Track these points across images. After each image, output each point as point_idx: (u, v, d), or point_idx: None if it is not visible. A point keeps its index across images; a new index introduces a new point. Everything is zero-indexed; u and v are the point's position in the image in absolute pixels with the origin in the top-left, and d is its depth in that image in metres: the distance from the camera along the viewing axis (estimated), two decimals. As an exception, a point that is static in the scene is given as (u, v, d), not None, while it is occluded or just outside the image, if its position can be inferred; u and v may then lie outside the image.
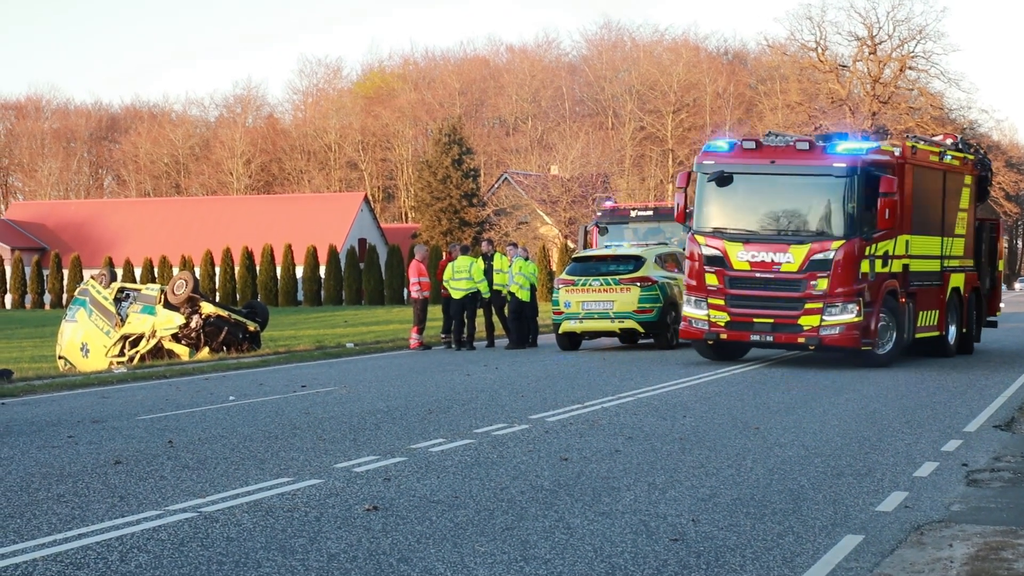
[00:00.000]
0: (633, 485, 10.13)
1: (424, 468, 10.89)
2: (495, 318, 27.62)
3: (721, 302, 20.81)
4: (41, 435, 13.30)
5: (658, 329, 25.14)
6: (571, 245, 65.35)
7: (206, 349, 25.75)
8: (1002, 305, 27.33)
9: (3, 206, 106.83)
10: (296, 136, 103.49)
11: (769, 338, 20.76)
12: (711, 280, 20.88)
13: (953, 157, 23.31)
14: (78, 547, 8.10)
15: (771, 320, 20.52)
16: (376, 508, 9.21)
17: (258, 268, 70.97)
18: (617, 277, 25.15)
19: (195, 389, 18.30)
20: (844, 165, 20.21)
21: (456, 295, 26.45)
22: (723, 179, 20.88)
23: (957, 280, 23.32)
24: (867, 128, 71.89)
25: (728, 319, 20.79)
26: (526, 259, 26.98)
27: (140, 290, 27.29)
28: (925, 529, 8.68)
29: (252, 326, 26.79)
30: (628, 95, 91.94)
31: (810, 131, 24.64)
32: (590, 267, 25.91)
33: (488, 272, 26.94)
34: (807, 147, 20.51)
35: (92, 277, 27.93)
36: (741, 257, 20.62)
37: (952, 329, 23.44)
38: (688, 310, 21.35)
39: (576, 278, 25.56)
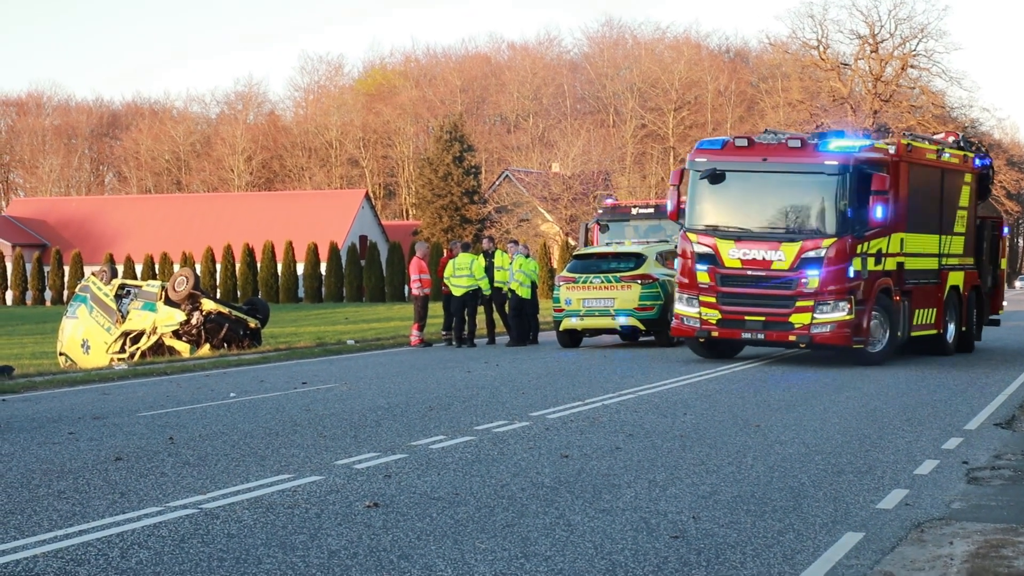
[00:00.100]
0: (634, 482, 10.13)
1: (425, 465, 10.90)
2: (496, 315, 27.62)
3: (713, 300, 20.77)
4: (42, 431, 13.31)
5: (659, 327, 25.13)
6: (572, 242, 65.35)
7: (207, 346, 25.76)
8: (1004, 303, 27.27)
9: (4, 202, 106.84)
10: (297, 133, 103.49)
11: (760, 336, 20.71)
12: (703, 278, 20.83)
13: (952, 155, 23.24)
14: (79, 543, 8.11)
15: (762, 318, 20.48)
16: (377, 505, 9.21)
17: (259, 265, 70.97)
18: (618, 274, 25.15)
19: (196, 386, 18.30)
20: (836, 163, 20.15)
21: (457, 292, 26.45)
22: (715, 176, 20.84)
23: (956, 278, 23.27)
24: (868, 126, 71.84)
25: (720, 317, 20.75)
26: (527, 256, 26.98)
27: (141, 287, 27.30)
28: (926, 527, 8.68)
29: (253, 323, 26.80)
30: (629, 93, 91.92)
31: (811, 129, 24.60)
32: (591, 264, 25.91)
33: (489, 269, 26.94)
34: (799, 145, 20.46)
35: (93, 274, 27.94)
36: (733, 255, 20.59)
37: (951, 327, 23.39)
38: (680, 308, 21.33)
39: (577, 275, 25.56)
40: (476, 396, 16.29)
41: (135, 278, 64.11)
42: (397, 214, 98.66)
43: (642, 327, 25.15)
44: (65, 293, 72.25)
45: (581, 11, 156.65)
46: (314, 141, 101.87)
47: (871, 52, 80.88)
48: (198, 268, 68.84)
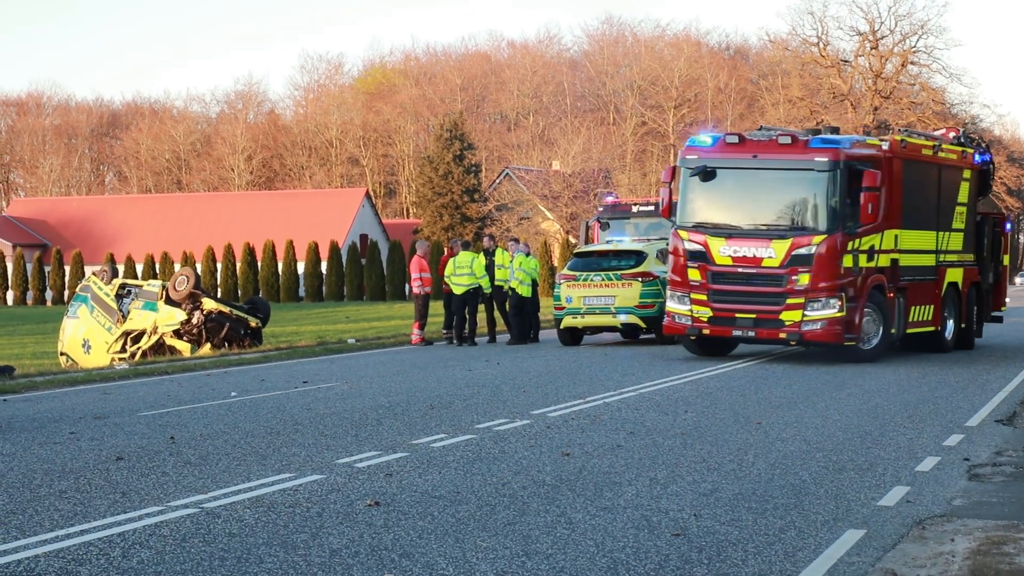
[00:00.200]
0: (635, 480, 10.13)
1: (426, 463, 10.90)
2: (497, 313, 27.62)
3: (704, 297, 20.73)
4: (43, 431, 13.31)
5: (660, 324, 25.08)
6: (572, 240, 65.35)
7: (208, 345, 25.76)
8: (1007, 300, 27.20)
9: (4, 202, 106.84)
10: (297, 132, 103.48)
11: (751, 333, 20.66)
12: (694, 275, 20.80)
13: (949, 151, 23.17)
14: (80, 543, 8.11)
15: (753, 315, 20.43)
16: (378, 503, 9.21)
17: (260, 264, 70.98)
18: (619, 272, 25.15)
19: (197, 385, 18.30)
20: (826, 159, 20.09)
21: (457, 291, 26.45)
22: (706, 174, 20.82)
23: (954, 275, 23.21)
24: (869, 123, 71.68)
25: (711, 314, 20.71)
26: (527, 255, 26.97)
27: (142, 286, 27.30)
28: (927, 523, 8.68)
29: (254, 322, 26.80)
30: (629, 90, 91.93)
31: (812, 126, 24.56)
32: (592, 262, 25.90)
33: (490, 268, 26.94)
34: (789, 141, 20.42)
35: (94, 273, 27.94)
36: (723, 252, 20.55)
37: (950, 324, 23.32)
38: (671, 305, 21.30)
39: (578, 273, 25.56)
40: (477, 394, 16.29)
41: (136, 278, 64.09)
42: (398, 213, 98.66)
43: (643, 325, 25.14)
44: (66, 293, 72.24)
45: (581, 9, 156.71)
46: (314, 140, 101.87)
47: (871, 49, 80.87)
48: (199, 267, 68.85)
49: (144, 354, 25.59)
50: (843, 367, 19.97)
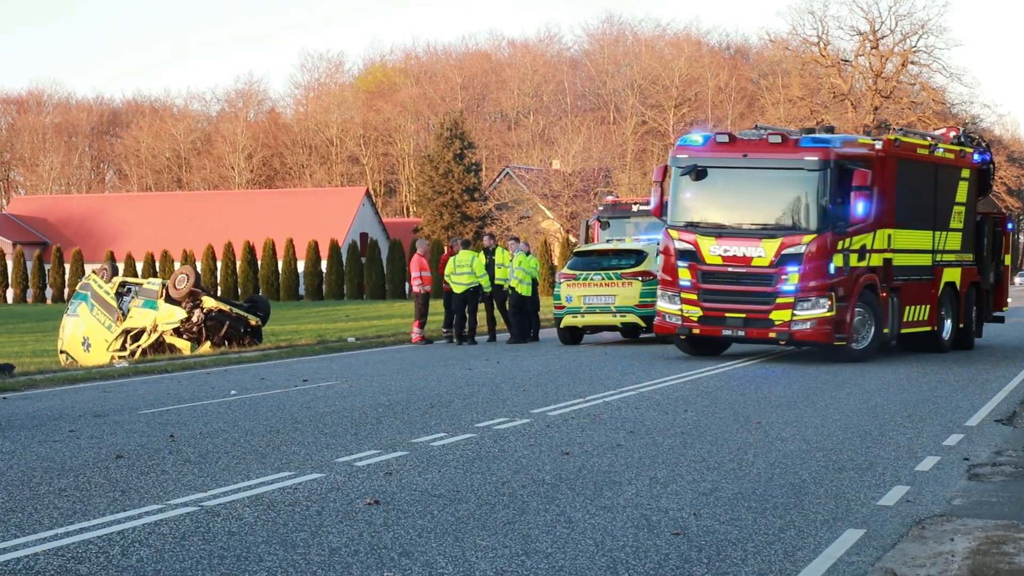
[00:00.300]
0: (634, 479, 10.13)
1: (425, 462, 10.89)
2: (497, 312, 27.63)
3: (694, 297, 20.70)
4: (42, 429, 13.31)
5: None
6: (573, 239, 65.35)
7: (207, 343, 25.76)
8: (1009, 300, 27.11)
9: (5, 200, 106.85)
10: (298, 131, 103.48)
11: (741, 333, 20.62)
12: (684, 275, 20.78)
13: (947, 151, 23.12)
14: (79, 541, 8.10)
15: (743, 315, 20.40)
16: (377, 502, 9.21)
17: (260, 262, 70.99)
18: (619, 271, 25.15)
19: (196, 383, 18.30)
20: (815, 158, 20.05)
21: (457, 289, 26.45)
22: (696, 173, 20.82)
23: (952, 275, 23.15)
24: (869, 123, 71.69)
25: (701, 314, 20.68)
26: (527, 254, 26.97)
27: (142, 284, 27.31)
28: (926, 523, 8.68)
29: (254, 320, 26.80)
30: (630, 90, 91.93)
31: (812, 126, 24.53)
32: (592, 261, 25.91)
33: (490, 266, 26.94)
34: (779, 140, 20.39)
35: (94, 271, 27.94)
36: (714, 251, 20.53)
37: (947, 324, 23.25)
38: (661, 305, 21.28)
39: (578, 272, 25.56)
40: (477, 393, 16.29)
41: (136, 276, 64.06)
42: (398, 211, 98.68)
43: (643, 324, 25.12)
44: (66, 291, 72.24)
45: (581, 8, 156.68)
46: (315, 139, 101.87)
47: (871, 48, 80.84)
48: (199, 266, 68.87)
49: (144, 352, 25.59)
50: (843, 367, 19.96)
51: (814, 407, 14.85)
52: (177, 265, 68.54)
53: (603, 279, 25.16)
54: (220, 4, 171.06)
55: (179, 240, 76.71)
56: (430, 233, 71.43)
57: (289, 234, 72.72)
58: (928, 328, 22.65)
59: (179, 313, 25.87)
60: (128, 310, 26.38)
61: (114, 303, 26.45)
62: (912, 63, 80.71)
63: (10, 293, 77.59)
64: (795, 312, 20.05)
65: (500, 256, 27.15)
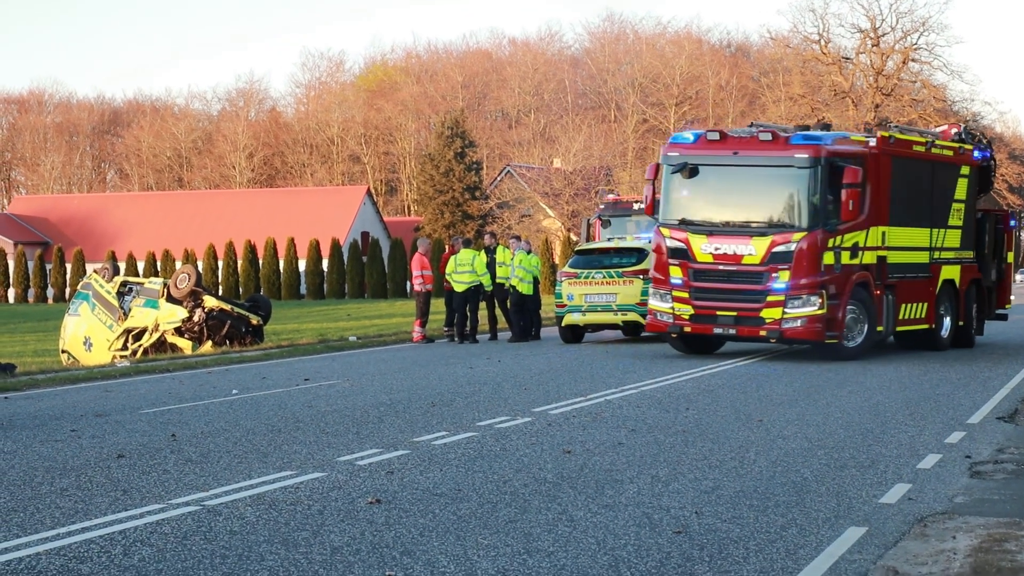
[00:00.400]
0: (636, 478, 10.13)
1: (427, 461, 10.89)
2: (498, 311, 27.63)
3: (685, 295, 20.67)
4: (44, 429, 13.31)
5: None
6: (574, 238, 65.34)
7: (209, 343, 25.77)
8: (1012, 297, 27.02)
9: (6, 200, 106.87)
10: (299, 130, 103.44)
11: (732, 331, 20.59)
12: (675, 273, 20.76)
13: (945, 147, 23.05)
14: (81, 541, 8.11)
15: (734, 313, 20.37)
16: (379, 501, 9.21)
17: (261, 261, 71.00)
18: (620, 270, 25.15)
19: (198, 383, 18.31)
20: (806, 156, 20.03)
21: (459, 288, 26.45)
22: (687, 171, 20.80)
23: (951, 272, 23.07)
24: (870, 120, 71.60)
25: (692, 312, 20.65)
26: (528, 252, 26.97)
27: (143, 284, 27.33)
28: (928, 521, 8.67)
29: (255, 320, 26.80)
30: (631, 88, 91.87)
31: (812, 123, 24.44)
32: (593, 260, 25.91)
33: (491, 265, 26.94)
34: (770, 138, 20.36)
35: (95, 271, 27.95)
36: (705, 249, 20.50)
37: (946, 322, 23.17)
38: (653, 303, 21.27)
39: (579, 271, 25.56)
40: (478, 392, 16.29)
41: (137, 275, 64.07)
42: (399, 210, 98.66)
43: (644, 322, 25.09)
44: (67, 291, 72.23)
45: (582, 6, 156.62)
46: (316, 138, 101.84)
47: (872, 46, 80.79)
48: (200, 265, 68.84)
49: (145, 352, 25.59)
50: (844, 365, 19.95)
51: (816, 405, 14.85)
52: (178, 264, 68.51)
53: (604, 277, 25.15)
54: (221, 3, 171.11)
55: (180, 239, 76.71)
56: (431, 232, 71.41)
57: (290, 233, 72.72)
58: (926, 326, 22.59)
59: (180, 312, 25.87)
60: (129, 309, 26.39)
61: (115, 303, 26.46)
62: (913, 60, 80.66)
63: (11, 293, 77.60)
64: (786, 310, 20.03)
65: (501, 255, 27.15)
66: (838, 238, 20.21)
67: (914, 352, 22.49)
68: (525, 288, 26.54)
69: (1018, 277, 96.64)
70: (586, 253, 26.42)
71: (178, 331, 25.92)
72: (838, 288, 20.22)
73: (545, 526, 8.46)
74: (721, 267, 20.38)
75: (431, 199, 74.67)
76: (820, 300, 19.97)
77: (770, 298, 20.07)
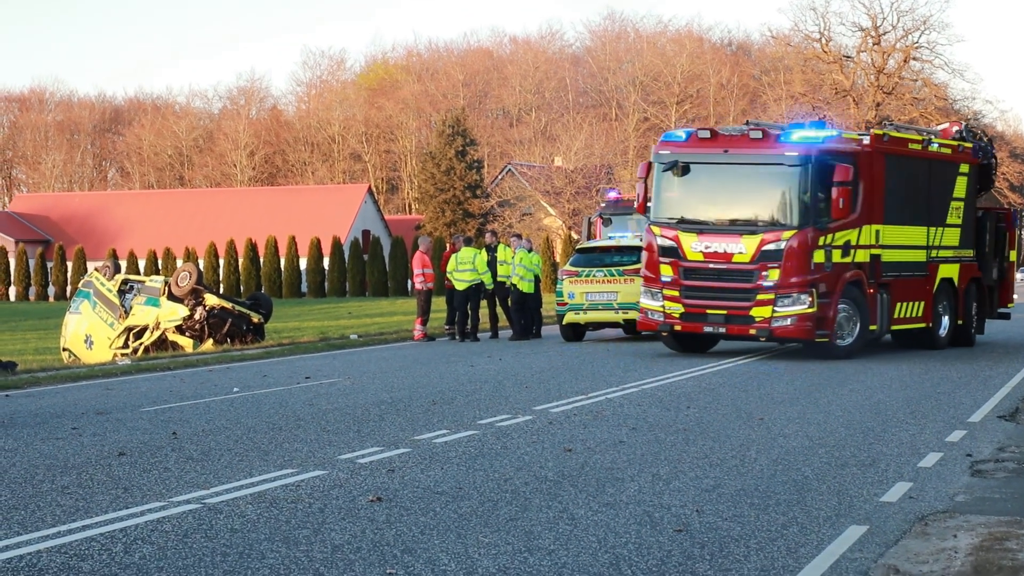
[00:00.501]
0: (637, 476, 10.13)
1: (428, 459, 10.89)
2: (499, 309, 27.62)
3: (676, 293, 20.66)
4: (45, 427, 13.31)
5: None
6: (575, 236, 65.31)
7: (210, 341, 25.77)
8: (1016, 296, 26.96)
9: (7, 198, 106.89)
10: (300, 128, 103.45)
11: (722, 330, 20.59)
12: (666, 271, 20.75)
13: (943, 146, 23.00)
14: (82, 539, 8.11)
15: (724, 311, 20.36)
16: (380, 499, 9.21)
17: (262, 260, 71.00)
18: (621, 268, 25.15)
19: (199, 381, 18.31)
20: (796, 154, 20.00)
21: (460, 286, 26.45)
22: (678, 169, 20.79)
23: (949, 271, 23.00)
24: (871, 119, 71.56)
25: (682, 310, 20.63)
26: (529, 250, 26.97)
27: (144, 282, 27.33)
28: (929, 519, 8.67)
29: (256, 318, 26.80)
30: (632, 86, 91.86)
31: (807, 121, 24.33)
32: (594, 258, 25.90)
33: (492, 264, 26.93)
34: (760, 136, 20.35)
35: (96, 269, 27.96)
36: (695, 248, 20.48)
37: (944, 320, 23.12)
38: (644, 301, 21.26)
39: (580, 269, 25.56)
40: (479, 390, 16.29)
41: (138, 273, 64.13)
42: (400, 209, 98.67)
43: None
44: (68, 289, 72.23)
45: (583, 5, 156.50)
46: (316, 136, 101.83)
47: (873, 44, 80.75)
48: (201, 263, 68.85)
49: (146, 350, 25.59)
50: (845, 363, 19.94)
51: (817, 404, 14.85)
52: (179, 263, 68.44)
53: (605, 276, 25.16)
54: (222, 1, 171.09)
55: (181, 237, 76.72)
56: (432, 230, 71.40)
57: (291, 231, 72.72)
58: (923, 325, 22.52)
59: (181, 310, 25.87)
60: (130, 308, 26.39)
61: (116, 301, 26.46)
62: (914, 59, 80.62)
63: (12, 291, 77.61)
64: (775, 309, 20.00)
65: (502, 253, 27.14)
66: (829, 236, 20.17)
67: (915, 351, 22.48)
68: (526, 286, 26.54)
69: (1018, 276, 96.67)
70: (587, 251, 26.42)
71: (179, 329, 25.92)
72: (829, 287, 20.18)
73: (546, 524, 8.47)
74: (711, 265, 20.36)
75: (432, 197, 74.67)
76: (810, 299, 19.94)
77: (760, 296, 20.05)
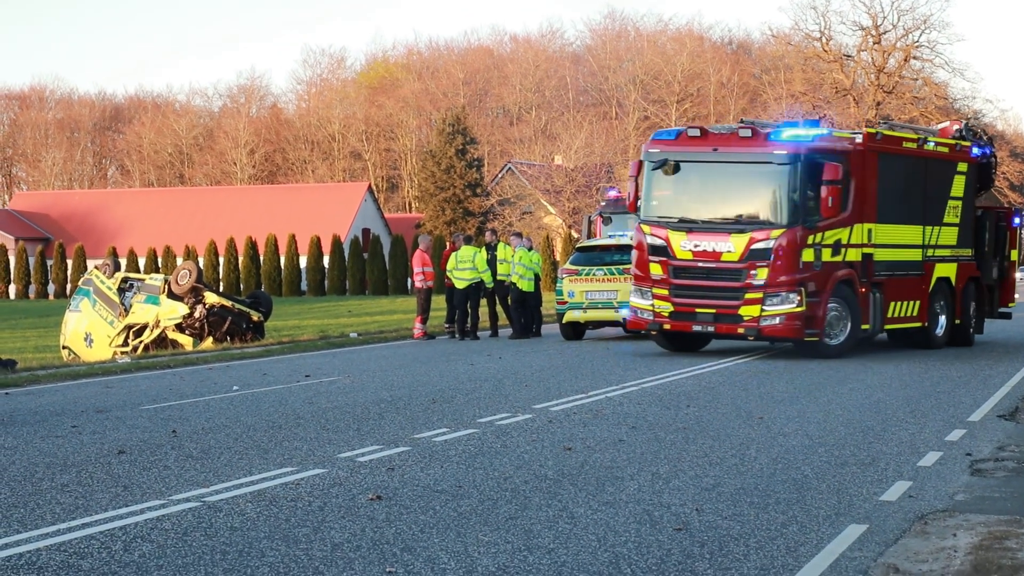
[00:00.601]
0: (637, 475, 10.13)
1: (428, 458, 10.89)
2: (499, 308, 27.62)
3: (665, 292, 20.64)
4: (45, 425, 13.31)
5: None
6: (575, 235, 65.30)
7: (210, 339, 25.76)
8: (1017, 295, 26.90)
9: (7, 196, 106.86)
10: (300, 126, 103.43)
11: (711, 328, 20.58)
12: (655, 270, 20.72)
13: (940, 144, 22.94)
14: (82, 537, 8.11)
15: (713, 310, 20.34)
16: (380, 498, 9.21)
17: (262, 258, 71.02)
18: (621, 267, 25.13)
19: (199, 379, 18.31)
20: (785, 152, 19.95)
21: (460, 285, 26.45)
22: (668, 167, 20.77)
23: (946, 270, 22.91)
24: (871, 118, 71.59)
25: (672, 309, 20.61)
26: (529, 249, 26.97)
27: (144, 280, 27.32)
28: (929, 518, 8.67)
29: (256, 316, 26.80)
30: (632, 85, 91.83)
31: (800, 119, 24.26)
32: (594, 257, 25.90)
33: (492, 262, 26.93)
34: (749, 134, 20.32)
35: (96, 267, 27.95)
36: (684, 246, 20.46)
37: (941, 320, 23.06)
38: (634, 300, 21.24)
39: (580, 268, 25.57)
40: (479, 389, 16.29)
41: (138, 271, 64.11)
42: (400, 207, 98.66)
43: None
44: (68, 287, 72.25)
45: (583, 3, 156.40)
46: (317, 134, 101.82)
47: (874, 43, 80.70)
48: (201, 261, 68.85)
49: (146, 348, 25.59)
50: (845, 362, 19.94)
51: (816, 402, 14.85)
52: (179, 261, 68.47)
53: (605, 275, 25.16)
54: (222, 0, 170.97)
55: (181, 236, 76.73)
56: (432, 228, 71.39)
57: (291, 230, 72.73)
58: (919, 324, 22.44)
59: (181, 309, 25.87)
60: (130, 306, 26.39)
61: (116, 299, 26.46)
62: (914, 58, 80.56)
63: (12, 289, 77.63)
64: (764, 307, 19.98)
65: (502, 251, 27.14)
66: (818, 235, 20.13)
67: (914, 350, 22.46)
68: (526, 285, 26.54)
69: (1018, 275, 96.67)
70: (587, 250, 26.42)
71: (179, 327, 25.92)
72: (818, 285, 20.14)
73: (545, 523, 8.46)
74: (700, 264, 20.35)
75: (432, 196, 74.67)
76: (799, 297, 19.90)
77: (748, 295, 20.02)
